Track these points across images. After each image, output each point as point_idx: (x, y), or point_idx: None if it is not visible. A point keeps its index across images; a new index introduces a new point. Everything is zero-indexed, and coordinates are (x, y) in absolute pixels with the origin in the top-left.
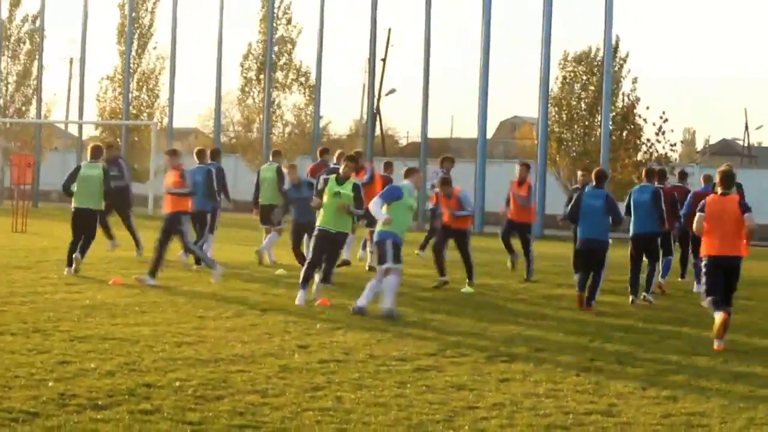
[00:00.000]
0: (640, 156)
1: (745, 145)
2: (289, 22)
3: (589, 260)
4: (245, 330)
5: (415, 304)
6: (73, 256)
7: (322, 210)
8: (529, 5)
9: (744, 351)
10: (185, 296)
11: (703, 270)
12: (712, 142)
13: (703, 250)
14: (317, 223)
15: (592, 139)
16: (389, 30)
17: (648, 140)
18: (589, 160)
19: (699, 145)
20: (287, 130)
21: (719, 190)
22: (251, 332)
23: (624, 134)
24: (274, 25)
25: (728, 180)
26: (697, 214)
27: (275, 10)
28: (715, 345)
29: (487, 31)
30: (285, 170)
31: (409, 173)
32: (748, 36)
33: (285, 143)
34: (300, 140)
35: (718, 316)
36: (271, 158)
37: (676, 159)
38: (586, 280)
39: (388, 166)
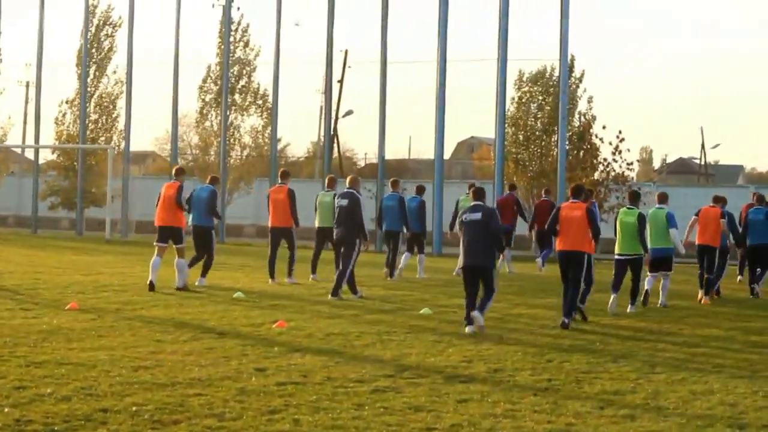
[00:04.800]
0: (597, 175)
1: (702, 163)
2: (246, 44)
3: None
4: (202, 353)
5: (372, 325)
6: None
7: None
8: (484, 26)
9: (700, 368)
10: (142, 320)
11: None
12: (669, 160)
13: None
14: None
15: (549, 158)
16: (346, 51)
17: (605, 159)
18: (547, 180)
19: (656, 164)
20: (245, 152)
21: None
22: (208, 356)
23: (581, 154)
24: (232, 47)
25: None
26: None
27: (232, 33)
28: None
29: (443, 52)
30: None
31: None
32: (702, 55)
33: (242, 166)
34: (258, 163)
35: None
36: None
37: (633, 178)
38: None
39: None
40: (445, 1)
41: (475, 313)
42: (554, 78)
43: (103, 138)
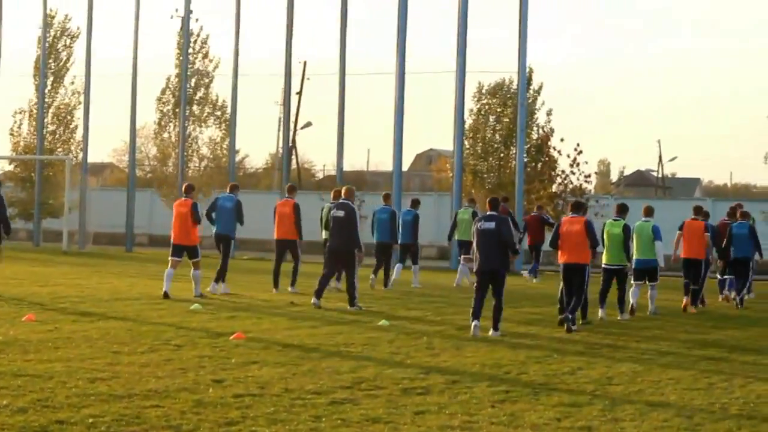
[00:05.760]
0: (554, 188)
1: (659, 176)
2: (205, 56)
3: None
4: (159, 365)
5: (330, 337)
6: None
7: None
8: (443, 38)
9: (657, 380)
10: (99, 332)
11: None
12: (626, 173)
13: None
14: None
15: (507, 171)
16: (304, 63)
17: (563, 172)
18: (505, 192)
19: (614, 177)
20: (203, 164)
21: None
22: (165, 367)
23: (539, 166)
24: (191, 59)
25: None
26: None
27: (192, 44)
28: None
29: (402, 64)
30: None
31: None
32: (659, 68)
33: (200, 177)
34: (216, 174)
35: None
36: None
37: (590, 190)
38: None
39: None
40: (404, 13)
41: (492, 333)
42: (513, 90)
43: (60, 149)
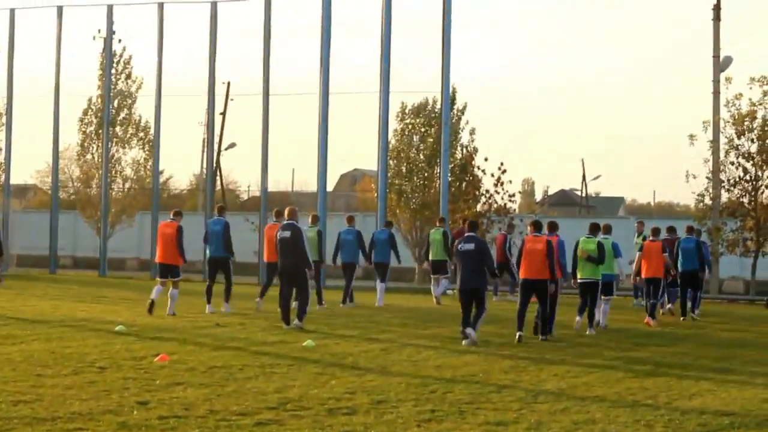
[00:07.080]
0: (479, 207)
1: (583, 195)
2: (128, 76)
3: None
4: (83, 387)
5: (256, 357)
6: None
7: None
8: (366, 58)
9: (582, 398)
10: (22, 354)
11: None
12: (550, 192)
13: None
14: None
15: (432, 190)
16: (228, 83)
17: (487, 191)
18: (429, 211)
19: (538, 196)
20: (127, 185)
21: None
22: (89, 389)
23: (463, 185)
24: (113, 79)
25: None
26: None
27: (114, 65)
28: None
29: (326, 84)
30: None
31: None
32: (582, 87)
33: (124, 198)
34: (140, 196)
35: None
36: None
37: (515, 210)
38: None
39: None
40: (327, 33)
41: (469, 330)
42: (436, 110)
43: None
